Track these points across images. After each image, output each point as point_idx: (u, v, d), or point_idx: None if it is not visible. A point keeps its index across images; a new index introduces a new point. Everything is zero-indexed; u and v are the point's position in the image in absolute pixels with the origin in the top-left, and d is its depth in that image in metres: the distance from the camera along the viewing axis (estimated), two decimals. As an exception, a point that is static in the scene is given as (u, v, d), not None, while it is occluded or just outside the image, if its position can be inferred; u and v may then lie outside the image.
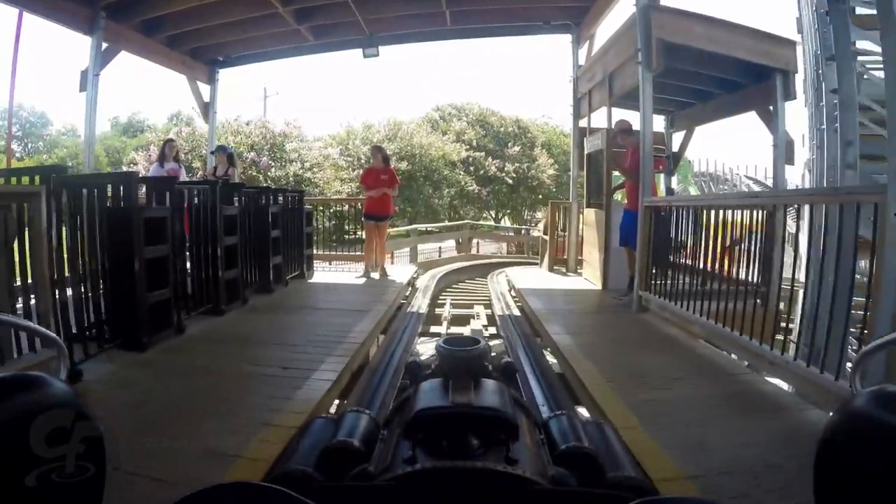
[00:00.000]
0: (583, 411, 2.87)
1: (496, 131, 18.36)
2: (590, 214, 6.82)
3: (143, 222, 3.38)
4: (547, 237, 7.71)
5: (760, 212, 3.84)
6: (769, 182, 23.84)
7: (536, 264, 11.87)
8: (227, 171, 7.04)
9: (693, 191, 21.83)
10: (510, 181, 16.87)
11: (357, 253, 8.19)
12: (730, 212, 4.00)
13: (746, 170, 24.10)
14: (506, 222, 23.72)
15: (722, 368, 3.31)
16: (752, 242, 3.70)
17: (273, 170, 10.39)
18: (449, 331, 5.41)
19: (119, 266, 3.25)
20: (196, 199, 4.71)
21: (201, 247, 4.74)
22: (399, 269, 7.59)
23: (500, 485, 0.50)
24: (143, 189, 4.19)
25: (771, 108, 6.23)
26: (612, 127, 6.33)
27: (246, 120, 12.22)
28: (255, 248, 5.62)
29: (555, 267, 7.63)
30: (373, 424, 0.68)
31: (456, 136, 16.77)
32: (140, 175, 5.05)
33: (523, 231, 19.80)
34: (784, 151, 5.92)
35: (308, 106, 62.05)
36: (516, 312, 5.74)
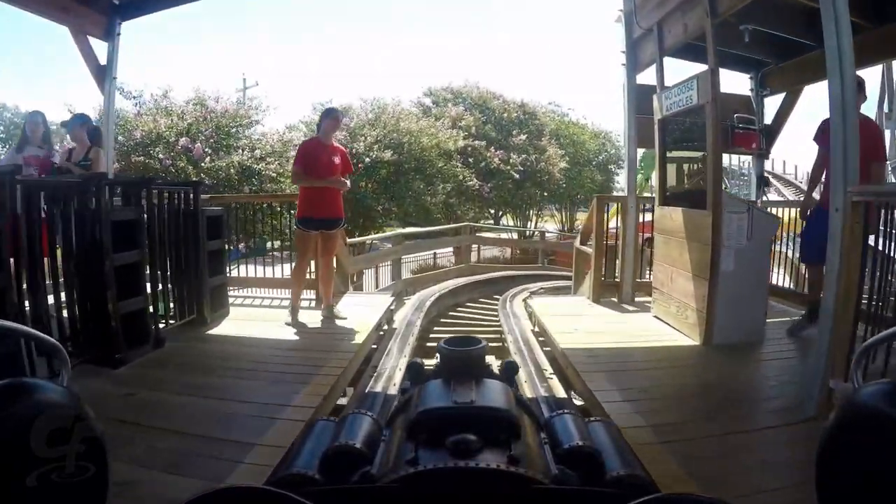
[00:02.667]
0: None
1: (498, 117, 15.75)
2: (671, 217, 4.22)
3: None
4: (591, 249, 5.10)
5: None
6: (788, 177, 21.36)
7: (557, 278, 9.31)
8: (86, 153, 4.45)
9: (720, 185, 19.21)
10: (516, 175, 14.24)
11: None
12: None
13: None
14: (506, 222, 21.15)
15: None
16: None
17: (208, 159, 7.82)
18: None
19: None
20: None
21: None
22: (366, 302, 4.96)
23: (502, 484, 0.48)
24: None
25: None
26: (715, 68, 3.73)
27: (183, 97, 9.55)
28: (78, 286, 3.03)
29: (602, 296, 5.03)
30: (375, 426, 0.64)
31: (452, 121, 14.14)
32: None
33: (534, 234, 17.22)
34: None
35: (290, 95, 58.95)
36: (559, 392, 3.15)
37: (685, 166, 4.34)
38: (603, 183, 23.90)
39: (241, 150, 8.37)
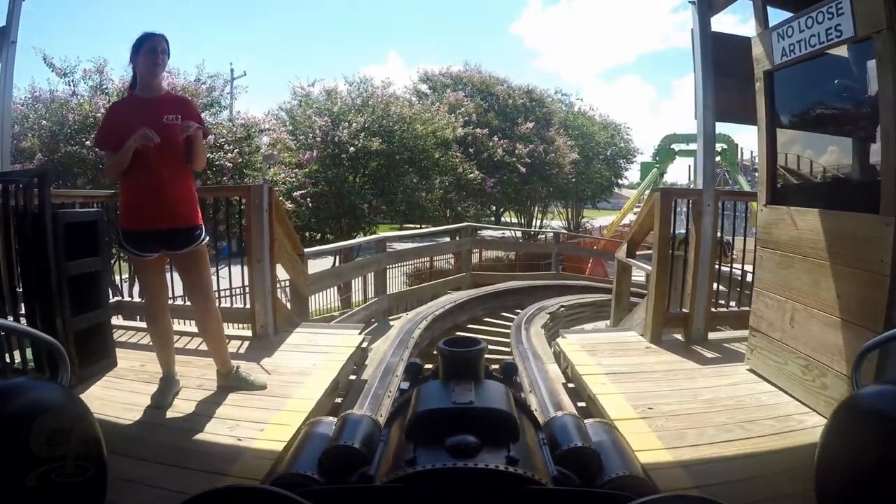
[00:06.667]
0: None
1: (503, 104, 14.18)
2: (794, 222, 2.68)
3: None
4: (650, 267, 3.58)
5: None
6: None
7: (577, 291, 7.79)
8: None
9: (742, 181, 17.66)
10: (522, 168, 12.67)
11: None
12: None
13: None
14: (507, 219, 19.62)
15: None
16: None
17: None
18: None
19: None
20: None
21: None
22: (323, 341, 3.43)
23: (501, 485, 0.48)
24: None
25: None
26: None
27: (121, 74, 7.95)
28: None
29: (663, 332, 3.50)
30: (373, 426, 0.63)
31: (450, 108, 12.58)
32: None
33: (543, 236, 15.70)
34: None
35: (281, 86, 56.68)
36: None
37: (816, 144, 2.81)
38: (610, 179, 22.43)
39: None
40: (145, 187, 2.34)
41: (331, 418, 0.66)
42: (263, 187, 3.29)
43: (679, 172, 26.10)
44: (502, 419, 0.54)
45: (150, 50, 2.33)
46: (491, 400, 0.57)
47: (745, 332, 3.73)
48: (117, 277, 7.52)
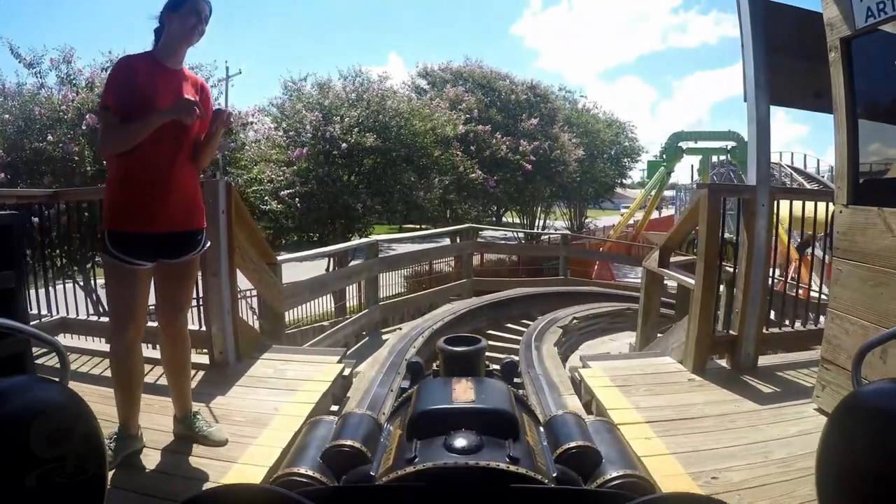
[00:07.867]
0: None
1: (505, 99, 13.57)
2: (889, 226, 2.08)
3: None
4: (692, 281, 2.98)
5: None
6: (811, 173, 19.11)
7: (586, 298, 7.19)
8: None
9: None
10: (528, 165, 12.05)
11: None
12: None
13: (780, 157, 19.15)
14: (508, 220, 19.03)
15: None
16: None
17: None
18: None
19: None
20: None
21: None
22: (297, 372, 2.84)
23: (501, 483, 0.48)
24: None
25: None
26: None
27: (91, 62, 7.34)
28: None
29: (708, 362, 2.90)
30: (374, 425, 0.64)
31: (450, 103, 11.97)
32: None
33: (547, 237, 15.08)
34: None
35: (277, 86, 55.78)
36: None
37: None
38: (614, 178, 21.83)
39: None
40: (153, 179, 1.79)
41: (331, 417, 0.66)
42: (218, 183, 2.68)
43: (681, 172, 25.48)
44: (503, 418, 0.53)
45: (192, 11, 1.80)
46: (491, 398, 0.55)
47: (798, 356, 3.18)
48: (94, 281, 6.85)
